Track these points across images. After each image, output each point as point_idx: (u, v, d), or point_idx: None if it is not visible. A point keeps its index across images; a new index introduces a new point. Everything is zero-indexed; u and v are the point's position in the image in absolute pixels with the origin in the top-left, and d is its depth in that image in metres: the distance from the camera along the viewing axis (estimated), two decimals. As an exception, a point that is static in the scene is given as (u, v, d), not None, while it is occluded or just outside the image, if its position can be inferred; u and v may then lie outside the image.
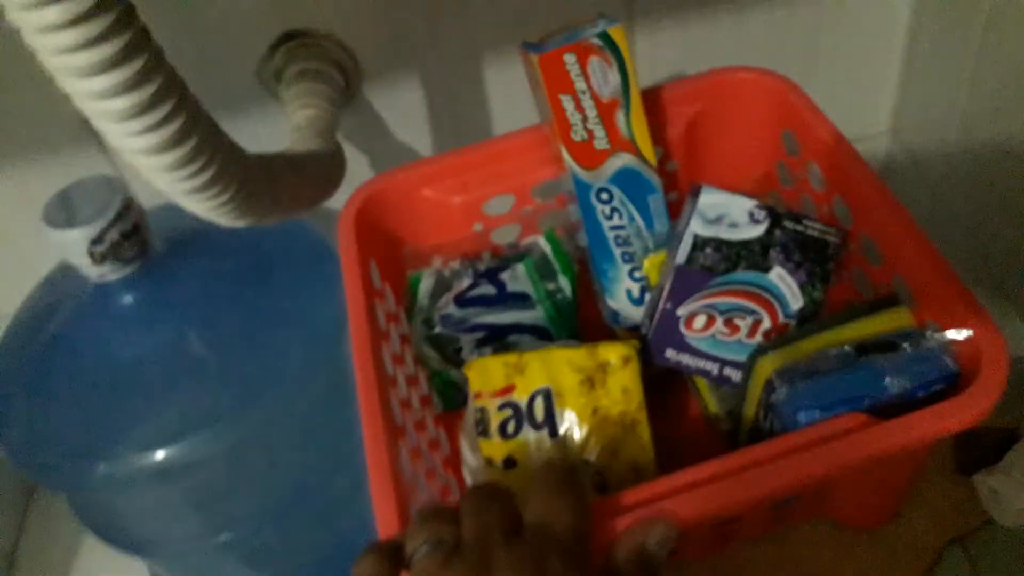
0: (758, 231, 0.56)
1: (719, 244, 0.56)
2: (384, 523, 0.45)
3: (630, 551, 0.41)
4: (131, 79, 0.40)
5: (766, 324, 0.56)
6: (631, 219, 0.60)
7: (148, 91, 0.42)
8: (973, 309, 0.47)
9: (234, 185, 0.50)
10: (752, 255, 0.56)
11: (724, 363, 0.57)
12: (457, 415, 0.64)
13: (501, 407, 0.55)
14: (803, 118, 0.59)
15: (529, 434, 0.54)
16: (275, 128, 0.73)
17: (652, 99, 0.60)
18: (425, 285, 0.64)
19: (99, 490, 0.64)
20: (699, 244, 0.56)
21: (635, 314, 0.62)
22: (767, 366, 0.51)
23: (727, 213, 0.56)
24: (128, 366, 0.63)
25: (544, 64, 0.55)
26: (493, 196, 0.64)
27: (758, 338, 0.57)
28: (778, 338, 0.55)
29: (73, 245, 0.56)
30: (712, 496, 0.43)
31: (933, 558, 0.58)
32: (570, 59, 0.55)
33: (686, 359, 0.58)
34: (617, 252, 0.61)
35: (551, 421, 0.54)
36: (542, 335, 0.63)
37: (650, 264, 0.60)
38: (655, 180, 0.59)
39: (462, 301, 0.63)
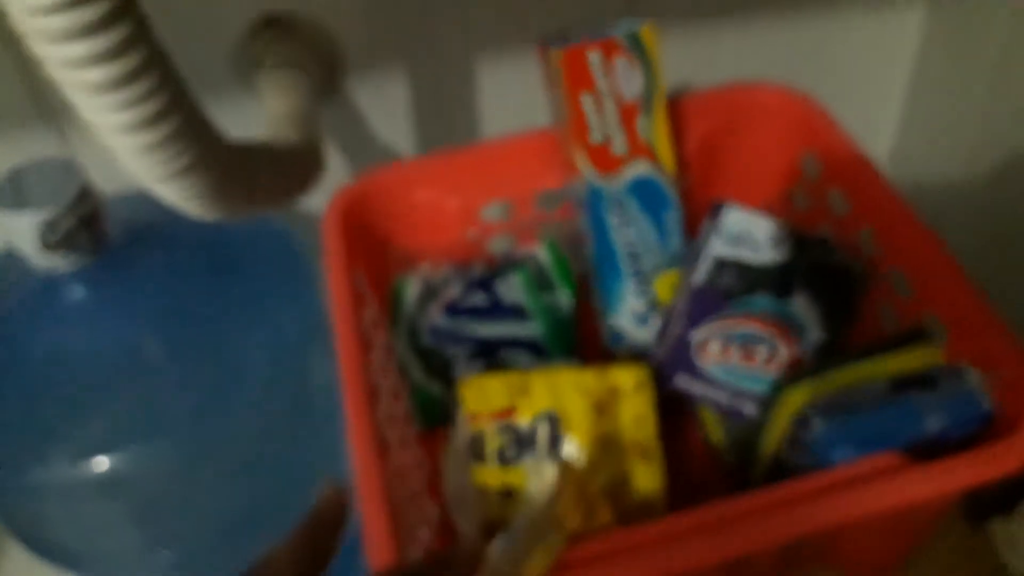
0: (781, 255, 0.53)
1: (739, 267, 0.53)
2: (375, 546, 0.42)
3: None
4: (112, 47, 0.37)
5: (784, 355, 0.54)
6: (644, 233, 0.57)
7: (130, 62, 0.38)
8: (1013, 349, 0.45)
9: (212, 173, 0.47)
10: (773, 280, 0.53)
11: (736, 393, 0.55)
12: (437, 434, 0.60)
13: (500, 430, 0.51)
14: (827, 141, 0.58)
15: (530, 462, 0.50)
16: (251, 118, 0.68)
17: (668, 110, 0.57)
18: (412, 291, 0.61)
19: (31, 496, 0.59)
20: (719, 265, 0.53)
21: (638, 335, 0.59)
22: (797, 398, 0.49)
23: (749, 234, 0.53)
24: (74, 365, 0.59)
25: (567, 60, 0.52)
26: (491, 202, 0.61)
27: (773, 368, 0.54)
28: (804, 370, 0.52)
29: (22, 230, 0.53)
30: (744, 535, 0.40)
31: (943, 609, 0.55)
32: (594, 57, 0.52)
33: (697, 387, 0.55)
34: (626, 267, 0.58)
35: (555, 448, 0.50)
36: (537, 352, 0.59)
37: (661, 283, 0.57)
38: (673, 193, 0.57)
39: (452, 310, 0.59)
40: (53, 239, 0.53)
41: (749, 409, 0.54)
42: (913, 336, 0.50)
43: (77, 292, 0.57)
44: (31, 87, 0.67)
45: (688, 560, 0.40)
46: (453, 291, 0.60)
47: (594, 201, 0.56)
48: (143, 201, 0.62)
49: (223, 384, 0.59)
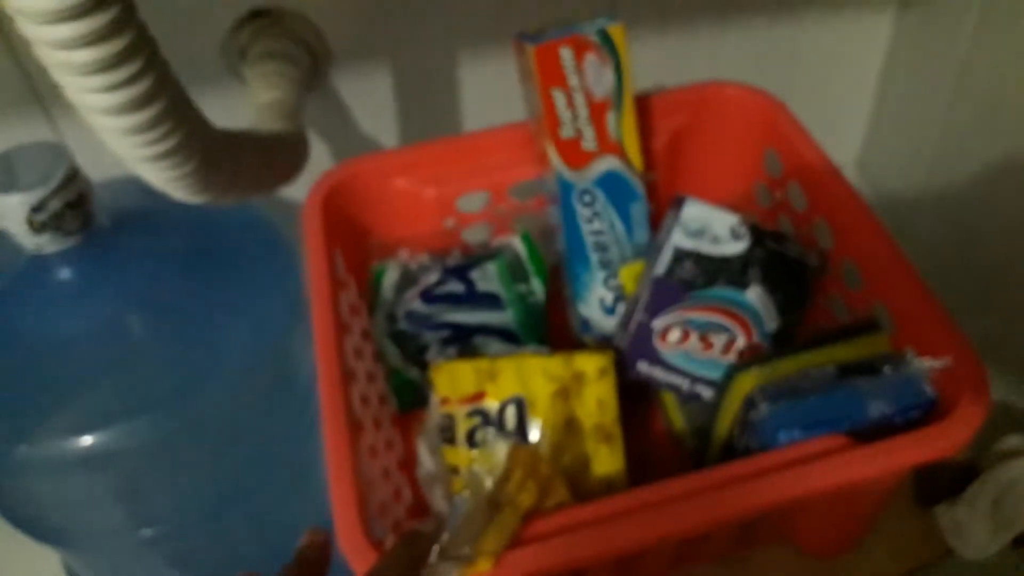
0: (739, 248, 0.55)
1: (699, 258, 0.55)
2: (342, 520, 0.44)
3: None
4: (99, 30, 0.38)
5: (740, 342, 0.56)
6: (611, 225, 0.59)
7: (117, 45, 0.39)
8: (956, 338, 0.47)
9: (197, 157, 0.48)
10: (731, 272, 0.55)
11: (695, 379, 0.57)
12: (412, 417, 0.61)
13: (470, 414, 0.53)
14: (789, 138, 0.59)
15: (498, 444, 0.52)
16: (236, 108, 0.69)
17: (637, 106, 0.58)
18: (390, 278, 0.62)
19: (17, 473, 0.60)
20: (679, 257, 0.55)
21: (606, 323, 0.61)
22: (747, 383, 0.51)
23: (709, 227, 0.55)
24: (59, 345, 0.59)
25: (539, 55, 0.54)
26: (468, 192, 0.63)
27: (731, 356, 0.56)
28: (757, 356, 0.54)
29: (10, 211, 0.53)
30: (691, 512, 0.42)
31: (891, 589, 0.58)
32: (566, 53, 0.54)
33: (658, 373, 0.57)
34: (594, 258, 0.59)
35: (522, 431, 0.52)
36: (509, 339, 0.61)
37: (627, 273, 0.59)
38: (639, 187, 0.58)
39: (429, 297, 0.60)
40: (40, 221, 0.54)
41: (707, 394, 0.56)
42: (862, 326, 0.52)
43: (64, 273, 0.58)
44: (21, 73, 0.68)
45: (638, 534, 0.41)
46: (430, 278, 0.61)
47: (564, 194, 0.58)
48: (129, 186, 0.62)
49: (205, 364, 0.59)
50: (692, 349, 0.56)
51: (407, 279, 0.62)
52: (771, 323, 0.55)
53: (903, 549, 0.59)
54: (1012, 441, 0.58)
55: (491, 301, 0.61)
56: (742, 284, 0.55)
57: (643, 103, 0.61)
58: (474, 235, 0.66)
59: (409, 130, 0.77)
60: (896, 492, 0.59)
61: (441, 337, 0.60)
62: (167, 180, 0.49)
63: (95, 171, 0.62)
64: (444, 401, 0.53)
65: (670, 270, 0.55)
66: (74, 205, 0.55)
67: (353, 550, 0.42)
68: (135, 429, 0.56)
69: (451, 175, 0.62)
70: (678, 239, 0.55)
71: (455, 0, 0.70)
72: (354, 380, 0.52)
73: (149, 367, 0.59)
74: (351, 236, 0.61)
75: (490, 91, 0.75)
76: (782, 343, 0.56)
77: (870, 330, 0.52)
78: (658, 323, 0.55)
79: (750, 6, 0.76)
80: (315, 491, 0.69)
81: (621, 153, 0.57)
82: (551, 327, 0.64)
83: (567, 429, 0.52)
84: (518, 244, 0.65)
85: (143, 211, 0.62)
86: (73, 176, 0.55)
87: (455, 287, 0.61)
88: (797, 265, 0.56)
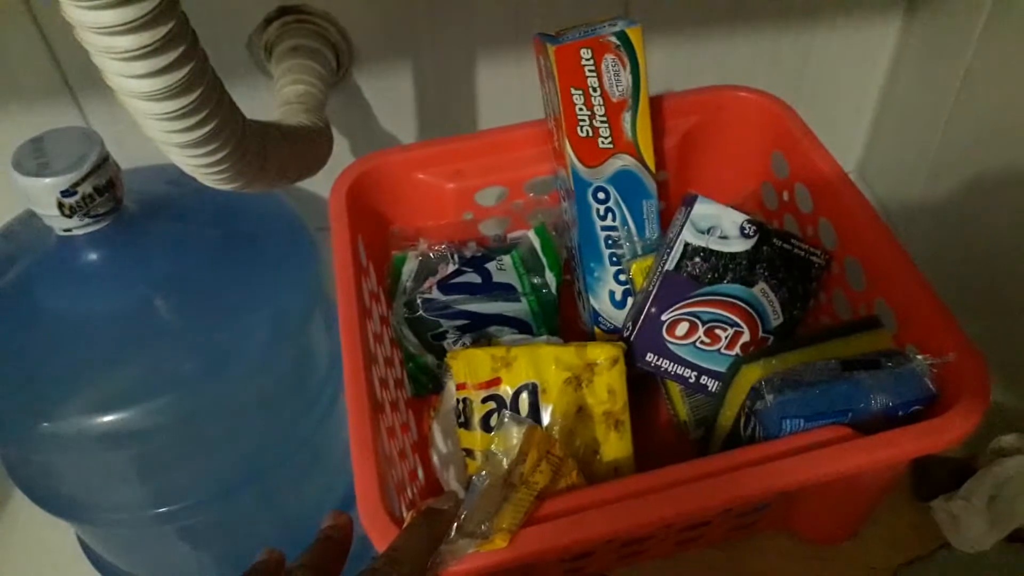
0: (747, 245, 0.57)
1: (708, 254, 0.57)
2: (364, 495, 0.44)
3: None
4: (144, 17, 0.40)
5: (746, 337, 0.57)
6: (624, 222, 0.60)
7: (160, 31, 0.41)
8: (958, 337, 0.48)
9: (230, 145, 0.49)
10: (739, 268, 0.57)
11: (702, 371, 0.58)
12: (424, 402, 0.63)
13: (485, 399, 0.54)
14: (797, 141, 0.61)
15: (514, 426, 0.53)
16: (260, 103, 0.71)
17: (651, 107, 0.60)
18: (409, 267, 0.64)
19: (38, 449, 0.61)
20: (689, 252, 0.57)
21: (616, 317, 0.63)
22: (753, 375, 0.52)
23: (718, 225, 0.57)
24: (86, 325, 0.61)
25: (560, 56, 0.55)
26: (487, 186, 0.64)
27: (737, 350, 0.58)
28: (762, 350, 0.56)
29: (43, 194, 0.54)
30: (699, 495, 0.43)
31: (887, 579, 0.59)
32: (586, 54, 0.55)
33: (665, 364, 0.58)
34: (606, 253, 0.61)
35: (535, 416, 0.53)
36: (523, 329, 0.63)
37: (637, 269, 0.61)
38: (652, 186, 0.60)
39: (446, 287, 0.62)
40: (71, 204, 0.55)
41: (712, 386, 0.58)
42: (864, 323, 0.54)
43: (91, 255, 0.59)
44: (52, 60, 0.69)
45: (646, 516, 0.43)
46: (448, 268, 0.63)
47: (579, 191, 0.59)
48: (156, 174, 0.64)
49: (226, 347, 0.61)
50: (699, 342, 0.57)
51: (426, 268, 0.64)
52: (775, 319, 0.57)
53: (900, 541, 0.60)
54: (1008, 439, 0.60)
55: (506, 292, 0.63)
56: (749, 281, 0.57)
57: (656, 104, 0.63)
58: (491, 228, 0.68)
59: (427, 127, 0.78)
60: (894, 486, 0.61)
61: (457, 325, 0.62)
62: (200, 167, 0.50)
63: (121, 158, 0.64)
64: (461, 386, 0.55)
65: (679, 265, 0.57)
66: (104, 190, 0.56)
67: (374, 525, 0.43)
68: (155, 409, 0.57)
69: (471, 170, 0.64)
70: (688, 235, 0.57)
71: (475, 3, 0.72)
72: (375, 363, 0.53)
73: (171, 349, 0.61)
74: (373, 225, 0.63)
75: (506, 90, 0.76)
76: (785, 338, 0.57)
77: (872, 327, 0.53)
78: (667, 316, 0.57)
79: (757, 14, 0.77)
80: (329, 473, 0.70)
81: (635, 152, 0.59)
82: (562, 318, 0.66)
83: (578, 415, 0.54)
84: (533, 238, 0.66)
85: (169, 198, 0.63)
86: (104, 161, 0.56)
87: (472, 277, 0.63)
88: (802, 263, 0.57)
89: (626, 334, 0.59)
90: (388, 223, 0.65)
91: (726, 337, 0.57)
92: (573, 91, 0.56)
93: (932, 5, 0.76)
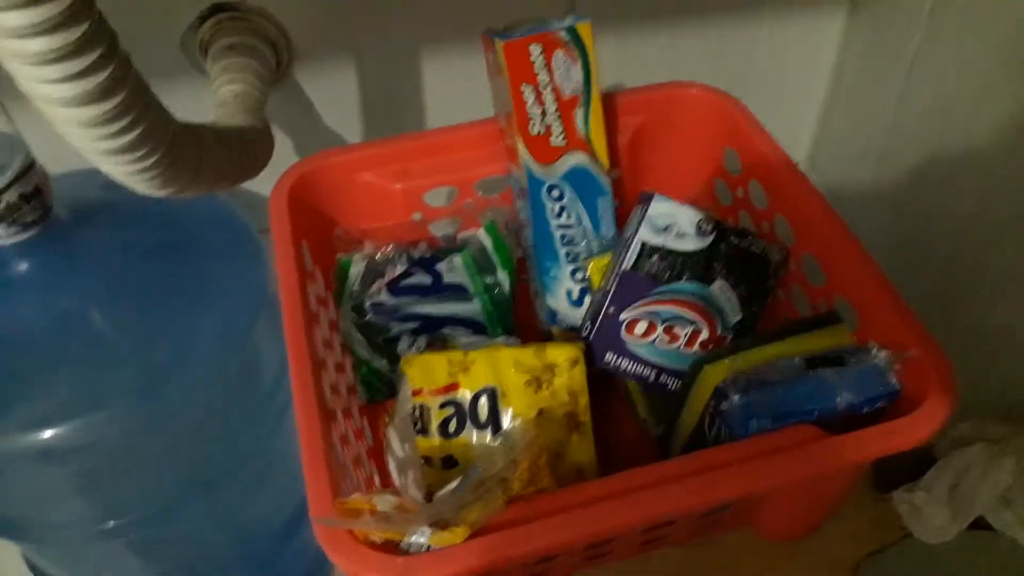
0: (704, 243, 0.56)
1: (665, 253, 0.56)
2: (316, 507, 0.43)
3: None
4: (55, 18, 0.37)
5: (704, 335, 0.57)
6: (579, 220, 0.59)
7: (74, 33, 0.38)
8: (919, 332, 0.48)
9: (160, 150, 0.47)
10: (696, 266, 0.56)
11: (661, 370, 0.58)
12: (381, 407, 0.62)
13: (443, 405, 0.53)
14: (748, 137, 0.61)
15: (472, 433, 0.52)
16: (197, 103, 0.69)
17: (602, 105, 0.59)
18: (356, 270, 0.62)
19: (-26, 467, 0.59)
20: (646, 251, 0.56)
21: (573, 315, 0.62)
22: (716, 374, 0.52)
23: (675, 223, 0.56)
24: (18, 338, 0.58)
25: (509, 52, 0.54)
26: (435, 186, 0.63)
27: (696, 348, 0.57)
28: (723, 348, 0.55)
29: None
30: (666, 499, 0.43)
31: (850, 572, 0.59)
32: (535, 50, 0.54)
33: (625, 364, 0.58)
34: (562, 251, 0.60)
35: (495, 421, 0.52)
36: (477, 329, 0.61)
37: (594, 267, 0.60)
38: (606, 183, 0.59)
39: (395, 289, 0.61)
40: None
41: (672, 384, 0.57)
42: (826, 319, 0.53)
43: (21, 266, 0.57)
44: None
45: (610, 521, 0.42)
46: (397, 270, 0.61)
47: (533, 189, 0.58)
48: (90, 178, 0.61)
49: (169, 358, 0.58)
50: (658, 341, 0.57)
51: (373, 271, 0.62)
52: (734, 316, 0.57)
53: (862, 533, 0.60)
54: (965, 428, 0.60)
55: (458, 293, 0.61)
56: (707, 278, 0.56)
57: (606, 101, 0.62)
58: (441, 229, 0.66)
59: (373, 125, 0.77)
60: (860, 476, 0.61)
61: (409, 328, 0.60)
62: (129, 174, 0.48)
63: (55, 163, 0.61)
64: (417, 392, 0.54)
65: (637, 264, 0.56)
66: (30, 197, 0.54)
67: (327, 536, 0.42)
68: (94, 423, 0.55)
69: (418, 170, 0.62)
70: (645, 234, 0.56)
71: (419, 2, 0.70)
72: (324, 369, 0.52)
73: (111, 360, 0.58)
74: (318, 229, 0.61)
75: (453, 87, 0.75)
76: (744, 335, 0.57)
77: (832, 322, 0.53)
78: (625, 315, 0.56)
79: (704, 8, 0.77)
80: (284, 482, 0.68)
81: (589, 149, 0.58)
82: (518, 318, 0.65)
83: (539, 418, 0.53)
84: (484, 237, 0.65)
85: (104, 203, 0.61)
86: (29, 168, 0.54)
87: (422, 279, 0.61)
88: (759, 260, 0.57)
89: (585, 334, 0.58)
90: (333, 226, 0.63)
91: (685, 335, 0.57)
92: (524, 88, 0.55)
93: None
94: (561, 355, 0.53)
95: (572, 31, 0.55)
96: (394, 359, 0.59)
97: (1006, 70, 0.61)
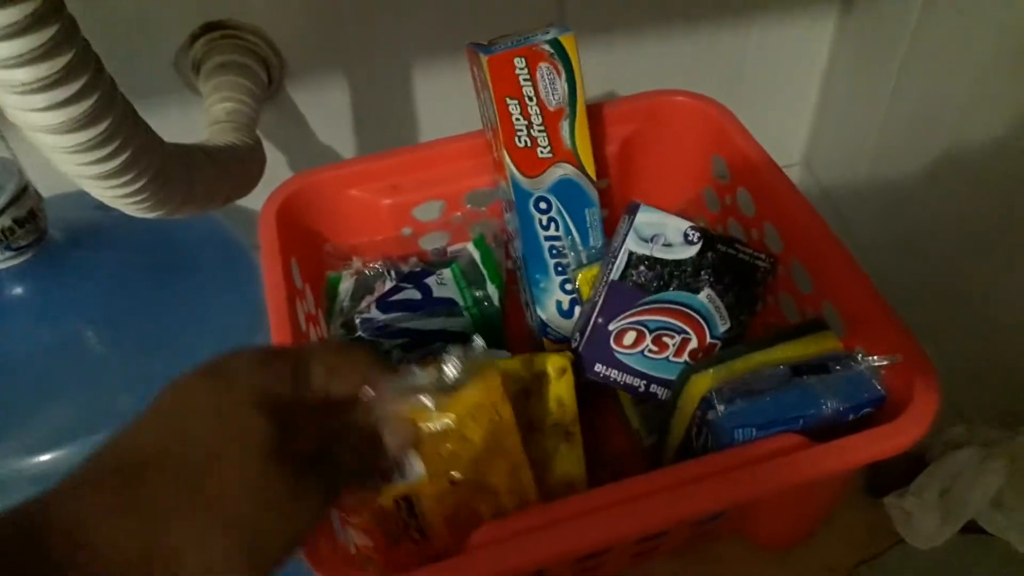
0: (691, 252, 0.56)
1: (653, 263, 0.56)
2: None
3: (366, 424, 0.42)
4: (40, 48, 0.38)
5: (694, 344, 0.57)
6: (567, 231, 0.60)
7: (59, 63, 0.39)
8: (905, 338, 0.48)
9: (149, 173, 0.48)
10: (684, 275, 0.56)
11: (651, 380, 0.57)
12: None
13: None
14: (734, 143, 0.60)
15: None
16: (191, 121, 0.69)
17: (589, 115, 0.59)
18: (345, 286, 0.62)
19: (-28, 493, 0.59)
20: (633, 261, 0.56)
21: (563, 326, 0.62)
22: (702, 384, 0.52)
23: (662, 233, 0.56)
24: (15, 362, 0.59)
25: (493, 66, 0.54)
26: (424, 201, 0.63)
27: (685, 357, 0.57)
28: (710, 357, 0.55)
29: None
30: (652, 511, 0.43)
31: (844, 579, 0.59)
32: (520, 63, 0.54)
33: (614, 374, 0.57)
34: (551, 263, 0.60)
35: None
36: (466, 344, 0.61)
37: (583, 278, 0.60)
38: (593, 194, 0.59)
39: (385, 305, 0.61)
40: None
41: (662, 394, 0.57)
42: (813, 326, 0.53)
43: (16, 289, 0.58)
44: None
45: (600, 534, 0.42)
46: (386, 286, 0.62)
47: (520, 201, 0.58)
48: (85, 200, 0.62)
49: (164, 378, 0.59)
50: (647, 351, 0.57)
51: (362, 287, 0.62)
52: (723, 324, 0.57)
53: (856, 539, 0.60)
54: (958, 431, 0.60)
55: (448, 307, 0.61)
56: (695, 287, 0.56)
57: (594, 111, 0.62)
58: (431, 243, 0.66)
59: (364, 139, 0.77)
60: (850, 483, 0.61)
61: (399, 343, 0.60)
62: (118, 198, 0.48)
63: (51, 186, 0.62)
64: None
65: (624, 274, 0.56)
66: (24, 221, 0.55)
67: (320, 558, 0.41)
68: (92, 446, 0.56)
69: (407, 185, 0.62)
70: (632, 244, 0.56)
71: (407, 12, 0.71)
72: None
73: (108, 382, 0.59)
74: (308, 246, 0.61)
75: (443, 101, 0.75)
76: (733, 343, 0.57)
77: (819, 329, 0.53)
78: (614, 326, 0.56)
79: (695, 14, 0.77)
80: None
81: (575, 161, 0.58)
82: (507, 330, 0.65)
83: (528, 428, 0.53)
84: (472, 250, 0.65)
85: (99, 224, 0.62)
86: (23, 192, 0.54)
87: (411, 294, 0.61)
88: (747, 268, 0.57)
89: (574, 345, 0.58)
90: (323, 242, 0.63)
91: (674, 344, 0.57)
92: (509, 101, 0.55)
93: (865, 1, 0.77)
94: (549, 364, 0.53)
95: (556, 43, 0.55)
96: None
97: (995, 69, 0.61)
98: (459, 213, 0.65)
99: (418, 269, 0.64)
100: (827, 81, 0.85)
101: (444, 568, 0.41)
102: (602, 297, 0.56)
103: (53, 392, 0.59)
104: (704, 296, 0.56)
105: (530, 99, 0.56)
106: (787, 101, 0.87)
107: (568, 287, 0.61)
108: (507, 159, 0.57)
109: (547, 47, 0.55)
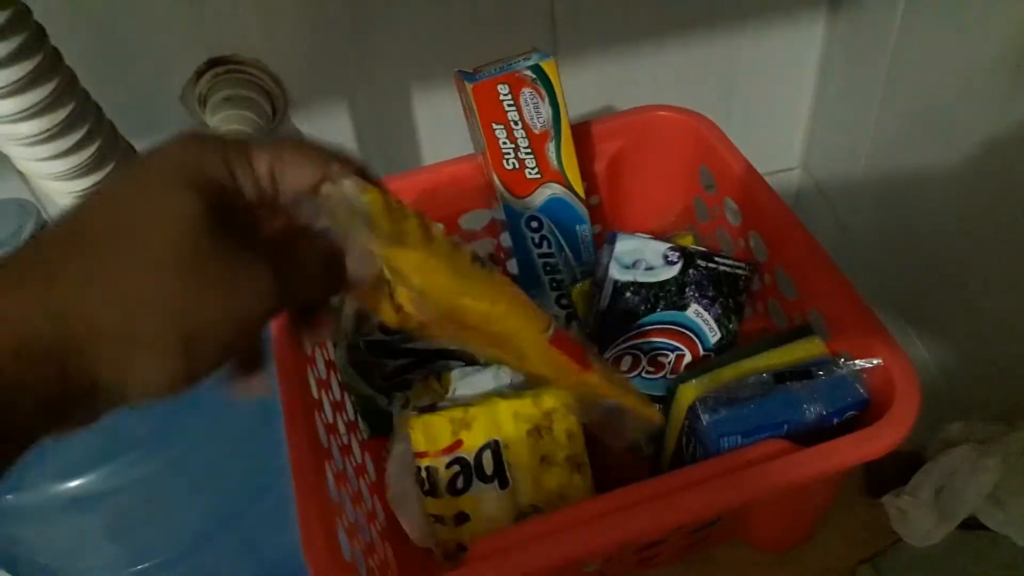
0: (673, 272, 0.57)
1: (637, 287, 0.57)
2: (310, 546, 0.45)
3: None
4: (41, 102, 0.40)
5: (688, 359, 0.58)
6: (560, 248, 0.61)
7: (60, 115, 0.41)
8: (885, 341, 0.49)
9: None
10: (669, 295, 0.57)
11: (652, 400, 0.58)
12: (383, 441, 0.63)
13: (449, 464, 0.54)
14: (719, 154, 0.61)
15: (479, 487, 0.53)
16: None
17: (576, 134, 0.61)
18: (348, 310, 0.64)
19: (6, 521, 0.61)
20: (619, 289, 0.57)
21: (560, 342, 0.63)
22: (689, 394, 0.53)
23: (642, 257, 0.57)
24: None
25: (478, 93, 0.56)
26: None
27: (682, 372, 0.58)
28: (696, 367, 0.56)
29: None
30: (643, 518, 0.44)
31: (844, 579, 0.60)
32: (503, 90, 0.56)
33: (616, 400, 0.59)
34: (545, 279, 0.62)
35: (500, 473, 0.54)
36: (469, 361, 0.63)
37: (577, 293, 0.62)
38: (583, 211, 0.61)
39: (387, 327, 0.62)
40: None
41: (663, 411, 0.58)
42: (797, 332, 0.54)
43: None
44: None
45: (588, 543, 0.43)
46: (389, 309, 0.63)
47: (512, 221, 0.60)
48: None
49: (183, 402, 0.61)
50: (644, 372, 0.58)
51: (365, 310, 0.64)
52: (713, 335, 0.58)
53: (854, 539, 0.61)
54: (955, 428, 0.61)
55: (449, 327, 0.63)
56: (681, 305, 0.57)
57: (580, 130, 0.64)
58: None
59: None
60: (846, 483, 0.62)
61: (402, 364, 0.62)
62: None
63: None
64: (422, 455, 0.55)
65: (612, 303, 0.57)
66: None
67: (321, 570, 0.43)
68: (118, 470, 0.58)
69: (404, 209, 0.64)
70: (616, 273, 0.57)
71: (403, 38, 0.72)
72: (319, 410, 0.54)
73: (126, 409, 0.61)
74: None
75: (444, 126, 0.77)
76: (726, 350, 0.58)
77: (804, 335, 0.54)
78: (609, 354, 0.58)
79: (687, 27, 0.78)
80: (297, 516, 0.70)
81: (563, 180, 0.59)
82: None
83: (542, 464, 0.54)
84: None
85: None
86: (41, 229, 0.57)
87: (413, 315, 0.63)
88: (729, 278, 0.58)
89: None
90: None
91: (669, 363, 0.58)
92: (495, 126, 0.57)
93: (851, 5, 0.77)
94: (558, 400, 0.54)
95: (538, 69, 0.56)
96: (391, 394, 0.61)
97: (982, 65, 0.61)
98: (456, 236, 0.66)
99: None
100: (820, 84, 0.85)
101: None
102: (594, 329, 0.58)
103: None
104: (692, 312, 0.57)
105: (515, 123, 0.57)
106: (782, 106, 0.87)
107: (564, 302, 0.63)
108: (496, 181, 0.59)
109: (529, 73, 0.56)
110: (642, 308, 0.57)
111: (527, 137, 0.58)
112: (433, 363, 0.63)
